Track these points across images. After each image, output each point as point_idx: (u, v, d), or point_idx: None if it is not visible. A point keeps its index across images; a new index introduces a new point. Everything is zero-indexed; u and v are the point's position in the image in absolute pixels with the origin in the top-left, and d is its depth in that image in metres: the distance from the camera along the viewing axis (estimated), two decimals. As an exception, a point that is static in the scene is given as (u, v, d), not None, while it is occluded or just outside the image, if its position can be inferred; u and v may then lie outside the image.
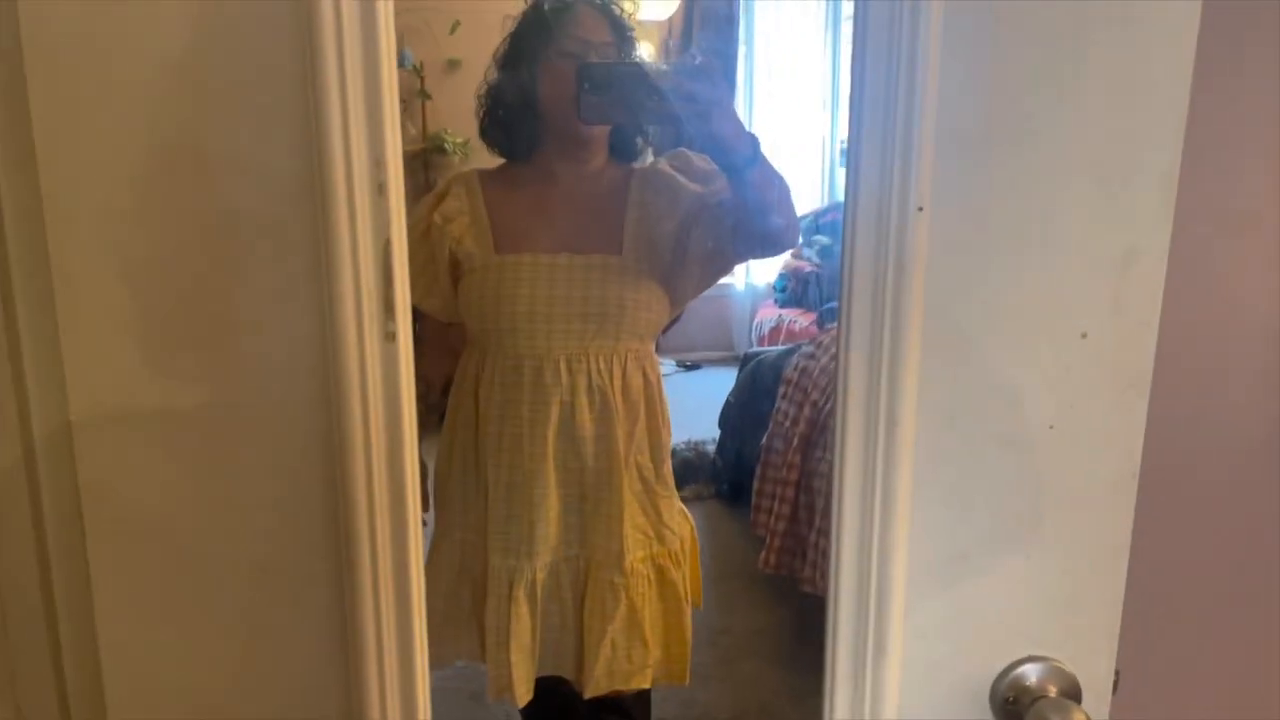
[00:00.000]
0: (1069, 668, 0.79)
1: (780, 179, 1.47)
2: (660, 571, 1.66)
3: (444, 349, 1.72)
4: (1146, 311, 0.74)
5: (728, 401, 3.51)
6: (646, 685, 1.67)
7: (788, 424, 2.90)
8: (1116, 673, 0.81)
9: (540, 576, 1.61)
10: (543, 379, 1.56)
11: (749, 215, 1.48)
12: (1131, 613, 0.80)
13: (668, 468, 1.68)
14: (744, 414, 3.37)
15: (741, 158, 1.41)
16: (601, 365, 1.58)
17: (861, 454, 0.75)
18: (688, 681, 1.70)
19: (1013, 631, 0.79)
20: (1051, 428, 0.75)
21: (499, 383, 1.59)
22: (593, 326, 1.55)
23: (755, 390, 3.31)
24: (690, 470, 3.66)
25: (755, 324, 5.10)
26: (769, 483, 2.92)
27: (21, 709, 0.82)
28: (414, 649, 0.76)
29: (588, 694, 1.63)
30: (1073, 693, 0.79)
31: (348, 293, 0.69)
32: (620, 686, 1.64)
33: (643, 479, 1.64)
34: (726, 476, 3.58)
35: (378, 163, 0.66)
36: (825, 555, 2.39)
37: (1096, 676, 0.80)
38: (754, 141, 1.43)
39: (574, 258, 1.56)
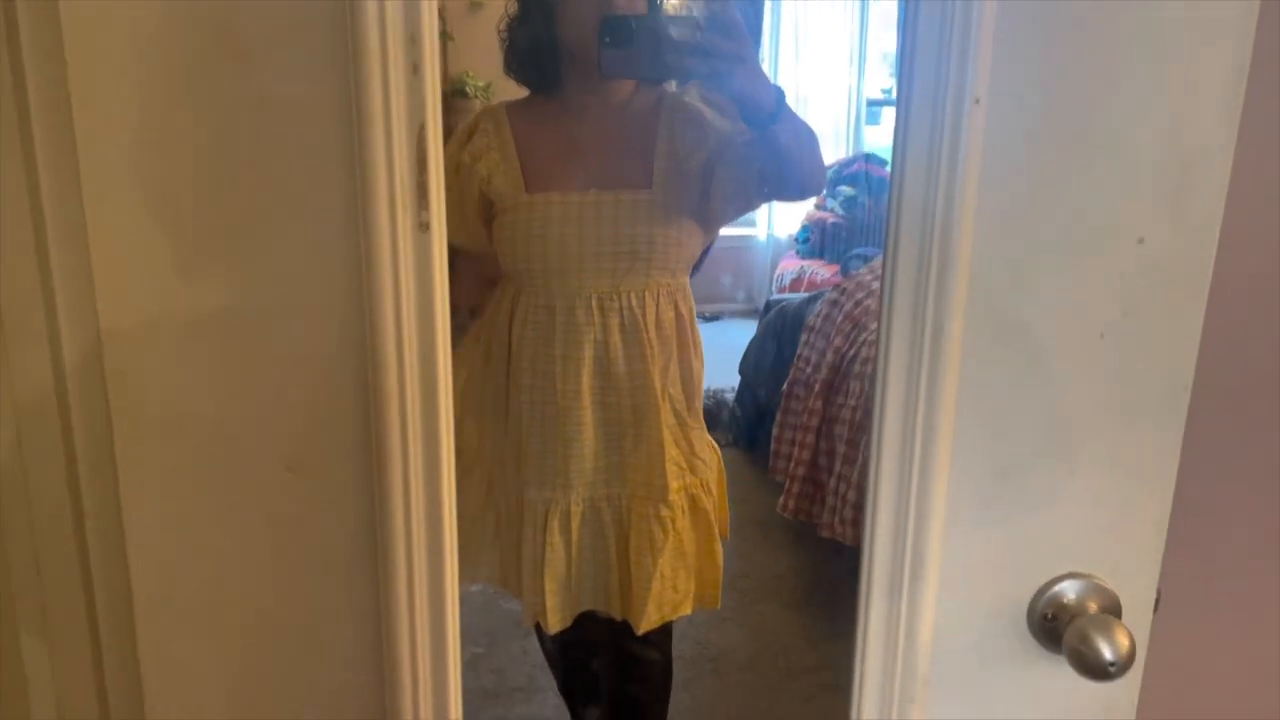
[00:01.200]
0: (1110, 585, 0.77)
1: (806, 129, 1.46)
2: (693, 501, 1.67)
3: (477, 277, 1.71)
4: (1207, 218, 0.72)
5: (748, 348, 3.49)
6: (688, 612, 1.69)
7: (809, 370, 2.88)
8: (1158, 593, 0.79)
9: (576, 510, 1.62)
10: (575, 318, 1.56)
11: (774, 163, 1.46)
12: (1176, 533, 0.78)
13: (699, 400, 1.68)
14: (764, 361, 3.35)
15: (765, 112, 1.40)
16: (634, 303, 1.58)
17: (906, 364, 0.73)
18: (719, 605, 1.72)
19: (1053, 548, 0.77)
20: (1102, 337, 0.73)
21: (532, 321, 1.60)
22: (624, 265, 1.55)
23: (777, 337, 3.28)
24: (709, 418, 3.62)
25: (776, 276, 5.05)
26: (789, 429, 2.90)
27: (48, 611, 0.82)
28: (444, 550, 0.75)
29: (641, 629, 1.64)
30: (1113, 610, 0.77)
31: (380, 180, 0.67)
32: (669, 617, 1.66)
33: (675, 412, 1.64)
34: (745, 424, 3.56)
35: (413, 40, 0.63)
36: (844, 500, 2.39)
37: (1138, 595, 0.78)
38: (778, 95, 1.41)
39: (603, 195, 1.55)
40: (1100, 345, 0.73)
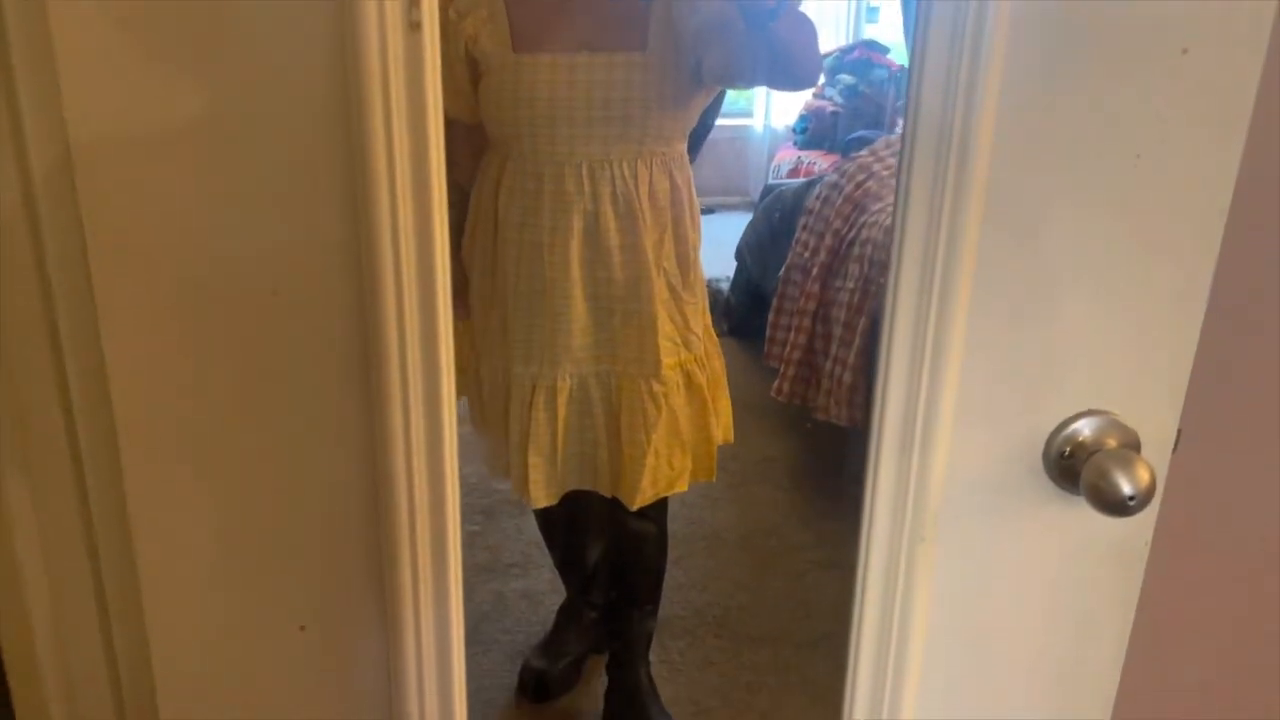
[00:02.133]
0: (1129, 422, 0.75)
1: (806, 21, 1.41)
2: (688, 377, 1.64)
3: (475, 153, 1.64)
4: (1255, 27, 0.67)
5: (745, 234, 3.44)
6: (683, 489, 1.68)
7: (807, 254, 2.83)
8: (1178, 432, 0.77)
9: (564, 385, 1.59)
10: (564, 187, 1.50)
11: (770, 55, 1.39)
12: (1198, 372, 0.75)
13: (695, 274, 1.64)
14: (761, 248, 3.30)
15: (767, 8, 1.33)
16: (626, 171, 1.51)
17: (929, 181, 0.68)
18: (715, 478, 1.72)
19: (1073, 384, 0.74)
20: (1138, 157, 0.69)
21: (519, 189, 1.53)
22: (615, 130, 1.48)
23: (774, 223, 3.23)
24: (703, 307, 3.61)
25: (773, 167, 4.95)
26: (785, 314, 2.87)
27: (30, 447, 0.79)
28: (439, 366, 0.72)
29: (635, 505, 1.63)
30: (1132, 447, 0.75)
31: (367, -30, 0.62)
32: (664, 493, 1.65)
33: (670, 286, 1.59)
34: (740, 313, 3.53)
35: None
36: (840, 383, 2.36)
37: (1158, 433, 0.75)
38: None
39: (594, 56, 1.48)
40: (1135, 167, 0.69)
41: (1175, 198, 0.70)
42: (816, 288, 2.71)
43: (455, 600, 0.79)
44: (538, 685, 1.91)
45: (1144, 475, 0.70)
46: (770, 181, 3.84)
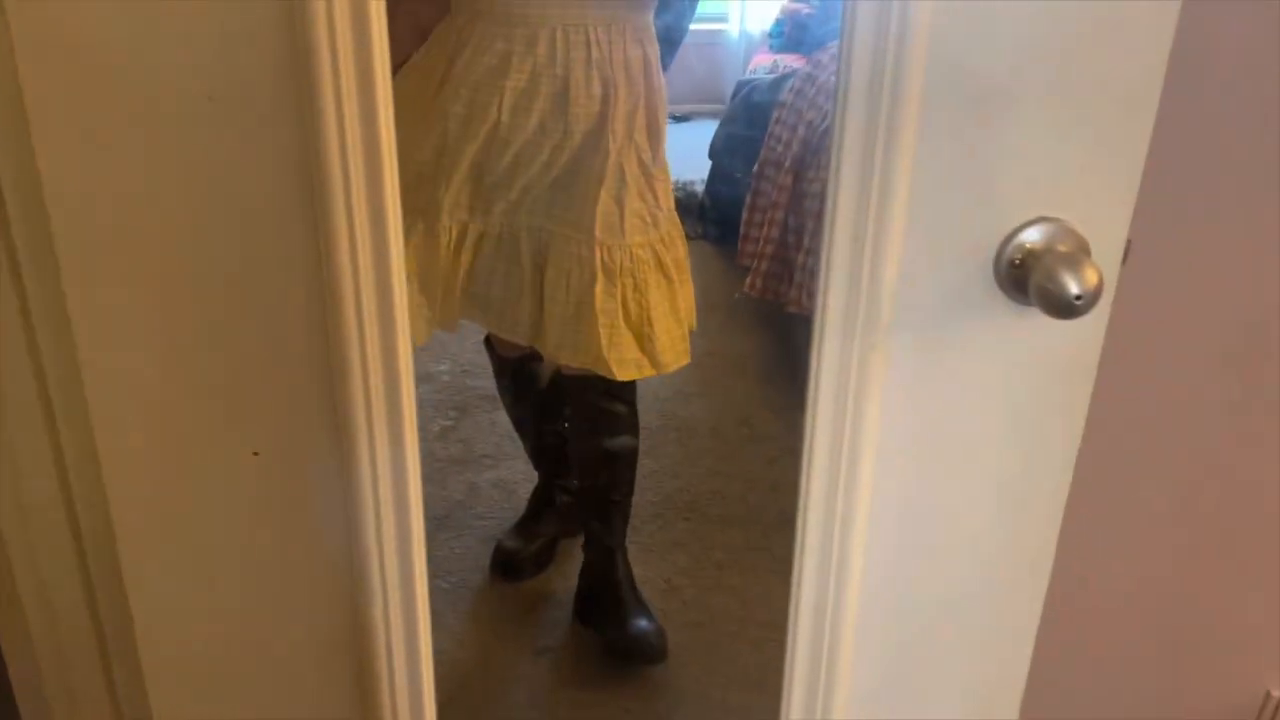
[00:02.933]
0: (1080, 229, 0.75)
1: None
2: (657, 256, 1.61)
3: (416, 28, 1.58)
4: None
5: (718, 131, 3.40)
6: (650, 372, 1.65)
7: (780, 148, 2.80)
8: (1128, 243, 0.77)
9: (492, 232, 1.56)
10: (535, 52, 1.45)
11: None
12: (1148, 184, 0.75)
13: (663, 148, 1.61)
14: (735, 143, 3.26)
15: None
16: (601, 37, 1.46)
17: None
18: (688, 359, 1.70)
19: (1023, 191, 0.74)
20: (1091, -53, 0.67)
21: (487, 52, 1.47)
22: None
23: (748, 118, 3.19)
24: (679, 211, 3.58)
25: (749, 71, 4.87)
26: (759, 210, 2.85)
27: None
28: (384, 184, 0.70)
29: (562, 362, 1.63)
30: (1082, 253, 0.75)
31: None
32: (594, 366, 1.63)
33: (640, 161, 1.56)
34: (715, 216, 3.50)
35: None
36: (812, 275, 2.34)
37: (1108, 241, 0.75)
38: None
39: None
40: (1087, -45, 0.67)
41: (1128, -9, 0.69)
42: (789, 180, 2.69)
43: (409, 421, 0.79)
44: (510, 565, 1.93)
45: (1091, 276, 0.70)
46: (742, 78, 3.78)
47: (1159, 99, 0.71)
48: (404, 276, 0.73)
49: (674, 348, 1.67)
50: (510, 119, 1.49)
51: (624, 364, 1.61)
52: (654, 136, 1.58)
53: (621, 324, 1.59)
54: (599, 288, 1.58)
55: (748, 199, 2.90)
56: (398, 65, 1.56)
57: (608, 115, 1.50)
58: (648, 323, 1.62)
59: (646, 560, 2.00)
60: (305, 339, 0.75)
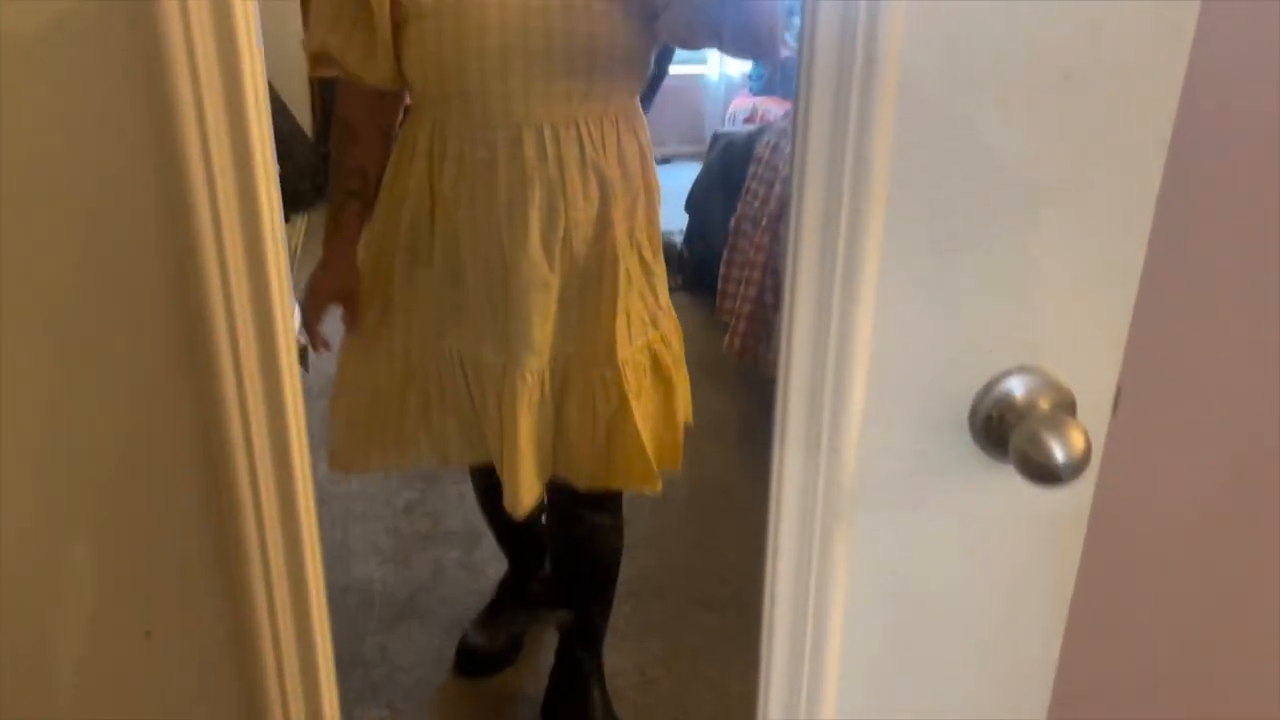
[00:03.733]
0: (1064, 380, 0.67)
1: None
2: (655, 358, 1.49)
3: (379, 129, 1.44)
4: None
5: (695, 184, 3.33)
6: (655, 488, 1.50)
7: (757, 203, 2.74)
8: (1118, 390, 0.69)
9: (526, 382, 1.41)
10: (522, 154, 1.29)
11: (728, 18, 1.22)
12: (1139, 320, 0.67)
13: (659, 242, 1.48)
14: (712, 197, 3.20)
15: None
16: (593, 131, 1.31)
17: (830, 110, 0.59)
18: (680, 467, 1.56)
19: (1001, 338, 0.66)
20: (1068, 77, 0.60)
21: (467, 159, 1.31)
22: (580, 86, 1.28)
23: (725, 172, 3.12)
24: (655, 260, 3.50)
25: (729, 114, 4.83)
26: (736, 266, 2.78)
27: None
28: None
29: (585, 486, 1.49)
30: (1067, 408, 0.67)
31: None
32: (615, 484, 1.51)
33: (642, 260, 1.42)
34: (693, 266, 3.43)
35: None
36: (785, 277, 2.17)
37: (1096, 392, 0.67)
38: None
39: None
40: (1064, 88, 0.60)
41: (1109, 122, 0.61)
42: (766, 238, 2.62)
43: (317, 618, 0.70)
44: (475, 662, 1.83)
45: (1077, 440, 0.62)
46: (720, 130, 3.73)
47: (1145, 246, 0.63)
48: (305, 459, 0.65)
49: (666, 454, 1.53)
50: (509, 236, 1.34)
51: (630, 479, 1.48)
52: (653, 230, 1.45)
53: (590, 435, 1.47)
54: (627, 410, 1.44)
55: (724, 254, 2.83)
56: (378, 171, 1.43)
57: (609, 218, 1.36)
58: (647, 432, 1.48)
59: (620, 648, 1.90)
60: (198, 521, 0.67)
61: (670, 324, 1.51)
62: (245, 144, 0.57)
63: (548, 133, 1.29)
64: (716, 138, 3.39)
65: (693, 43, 1.35)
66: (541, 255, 1.34)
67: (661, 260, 1.48)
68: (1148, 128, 0.61)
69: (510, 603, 1.90)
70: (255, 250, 0.60)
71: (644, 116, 1.43)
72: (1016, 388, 0.67)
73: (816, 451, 0.66)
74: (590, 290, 1.40)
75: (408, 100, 1.44)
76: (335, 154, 1.45)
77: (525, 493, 1.44)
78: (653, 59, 1.38)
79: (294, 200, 4.03)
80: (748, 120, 4.54)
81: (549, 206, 1.32)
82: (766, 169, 2.75)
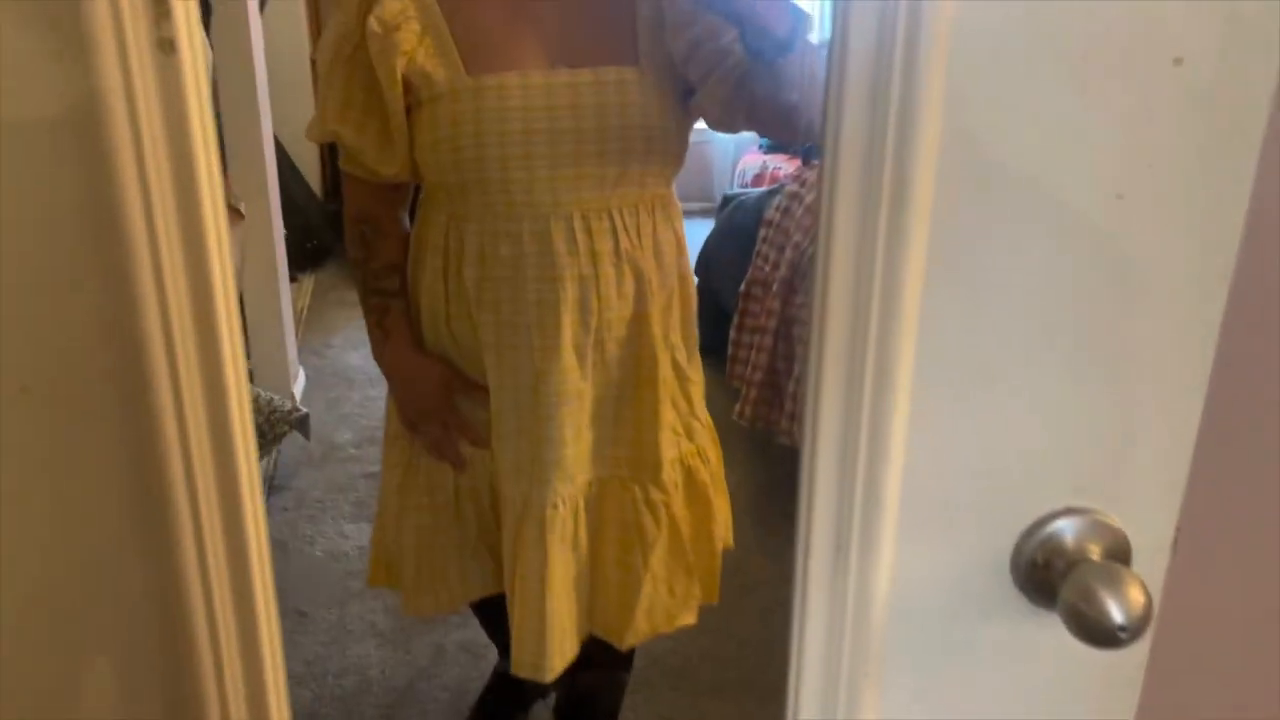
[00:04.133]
0: (1117, 523, 0.60)
1: (817, 65, 1.11)
2: (689, 474, 1.34)
3: (398, 221, 1.33)
4: (1266, 34, 0.52)
5: (705, 247, 3.29)
6: (691, 621, 1.36)
7: (768, 268, 2.69)
8: (1176, 530, 0.62)
9: (556, 514, 1.26)
10: (552, 248, 1.16)
11: (768, 99, 1.12)
12: (1200, 456, 0.60)
13: (695, 343, 1.35)
14: (722, 259, 3.15)
15: (775, 38, 1.06)
16: (628, 221, 1.19)
17: (858, 226, 0.53)
18: (717, 599, 1.42)
19: (1046, 475, 0.60)
20: (1120, 197, 0.54)
21: (489, 257, 1.19)
22: (613, 170, 1.16)
23: (735, 234, 3.08)
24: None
25: (738, 172, 4.81)
26: (747, 331, 2.73)
27: None
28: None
29: (628, 645, 1.33)
30: (1121, 555, 0.60)
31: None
32: (665, 629, 1.35)
33: (675, 364, 1.29)
34: (703, 328, 3.37)
35: None
36: (804, 406, 2.15)
37: (1153, 535, 0.61)
38: (798, 21, 1.06)
39: (578, 74, 1.15)
40: (1116, 208, 0.54)
41: (1167, 246, 0.55)
42: (778, 304, 2.57)
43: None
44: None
45: (1137, 598, 0.55)
46: (729, 191, 3.70)
47: (1207, 375, 0.57)
48: (270, 601, 0.58)
49: (704, 584, 1.37)
50: (539, 341, 1.20)
51: (641, 624, 1.33)
52: (688, 330, 1.32)
53: (639, 573, 1.31)
54: (611, 531, 1.30)
55: (735, 319, 2.77)
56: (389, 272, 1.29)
57: (645, 316, 1.23)
58: (681, 567, 1.34)
59: (630, 741, 1.82)
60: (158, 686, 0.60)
61: (707, 436, 1.37)
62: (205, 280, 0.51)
63: (578, 223, 1.17)
64: (727, 199, 3.36)
65: (728, 123, 1.21)
66: (574, 361, 1.21)
67: (697, 363, 1.34)
68: (1209, 249, 0.55)
69: (507, 690, 1.79)
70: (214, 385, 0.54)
71: (679, 204, 1.31)
72: (1065, 531, 0.60)
73: (842, 606, 0.59)
74: (627, 401, 1.26)
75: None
76: (359, 255, 1.30)
77: (558, 656, 1.28)
78: (686, 140, 1.26)
79: (301, 260, 4.02)
80: (757, 178, 4.51)
81: (581, 306, 1.19)
82: (777, 232, 2.71)
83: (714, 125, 1.23)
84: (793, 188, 2.83)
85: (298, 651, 1.99)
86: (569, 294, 1.18)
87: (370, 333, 1.32)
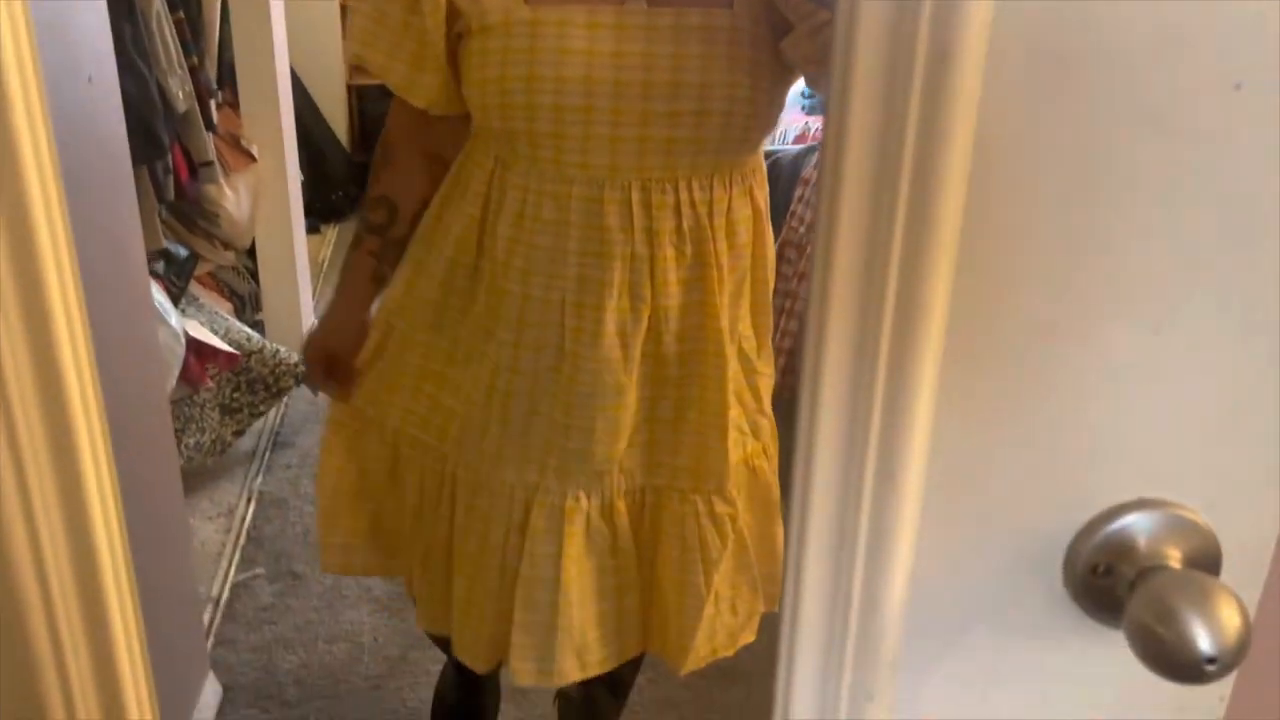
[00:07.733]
0: (1204, 521, 0.47)
1: None
2: (754, 474, 1.18)
3: (422, 156, 1.17)
4: None
5: (738, 206, 3.14)
6: (751, 639, 1.23)
7: (803, 228, 2.55)
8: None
9: (578, 506, 1.12)
10: (602, 219, 1.01)
11: None
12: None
13: (767, 332, 1.18)
14: (755, 220, 3.01)
15: None
16: (697, 195, 1.02)
17: (877, 142, 0.40)
18: (777, 607, 1.28)
19: (1114, 458, 0.46)
20: (1238, 88, 0.40)
21: (528, 218, 1.03)
22: (686, 131, 0.99)
23: (770, 192, 2.93)
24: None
25: (780, 132, 4.64)
26: (777, 295, 2.58)
27: None
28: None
29: (686, 670, 1.19)
30: (1208, 564, 0.47)
31: None
32: (725, 651, 1.21)
33: (744, 357, 1.13)
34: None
35: None
36: (804, 354, 1.91)
37: (1249, 536, 0.47)
38: None
39: (657, 14, 0.97)
40: (1234, 100, 0.40)
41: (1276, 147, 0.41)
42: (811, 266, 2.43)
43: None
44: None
45: (1231, 620, 0.42)
46: (768, 147, 3.54)
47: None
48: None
49: (766, 592, 1.23)
50: (574, 323, 1.05)
51: (701, 648, 1.20)
52: (760, 318, 1.15)
53: (701, 594, 1.17)
54: (667, 549, 1.15)
55: (767, 282, 2.64)
56: (413, 208, 1.16)
57: (711, 306, 1.06)
58: (745, 582, 1.21)
59: (633, 725, 1.71)
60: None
61: (769, 429, 1.21)
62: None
63: (636, 195, 1.01)
64: (764, 155, 3.20)
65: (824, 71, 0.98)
66: (619, 353, 1.05)
67: (769, 353, 1.18)
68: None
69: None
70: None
71: (764, 171, 1.13)
72: (1136, 528, 0.47)
73: (845, 609, 0.47)
74: (690, 403, 1.10)
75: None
76: (370, 180, 1.19)
77: (571, 659, 1.13)
78: (784, 99, 1.08)
79: (325, 211, 3.92)
80: (798, 138, 4.34)
81: (631, 291, 1.03)
82: (813, 192, 2.56)
83: (812, 67, 1.02)
84: (832, 145, 2.67)
85: (289, 615, 1.90)
86: (616, 276, 1.02)
87: (341, 266, 1.24)
